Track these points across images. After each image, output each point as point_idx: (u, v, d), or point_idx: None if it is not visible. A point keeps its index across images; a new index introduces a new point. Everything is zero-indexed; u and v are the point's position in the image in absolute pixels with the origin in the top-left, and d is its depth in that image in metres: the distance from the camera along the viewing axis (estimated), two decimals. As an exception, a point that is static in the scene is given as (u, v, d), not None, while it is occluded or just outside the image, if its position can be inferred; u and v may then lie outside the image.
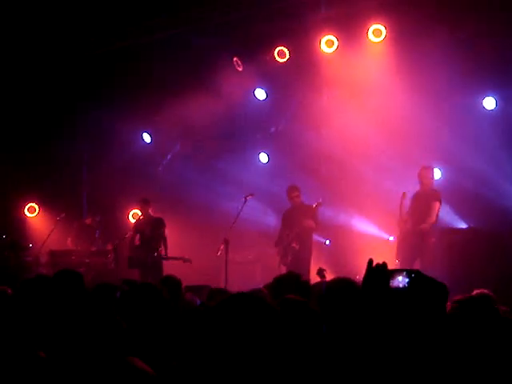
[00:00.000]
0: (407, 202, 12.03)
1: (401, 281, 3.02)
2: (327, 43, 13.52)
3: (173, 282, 7.25)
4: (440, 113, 12.72)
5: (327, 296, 4.61)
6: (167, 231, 13.50)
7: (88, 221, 15.09)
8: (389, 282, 2.95)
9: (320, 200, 12.59)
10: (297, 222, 12.49)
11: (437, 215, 11.78)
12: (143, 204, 13.67)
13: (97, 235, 14.82)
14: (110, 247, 14.14)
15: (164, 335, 4.24)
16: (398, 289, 3.00)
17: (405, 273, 3.04)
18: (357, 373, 2.84)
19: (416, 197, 12.01)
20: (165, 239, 13.36)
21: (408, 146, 13.01)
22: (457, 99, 12.78)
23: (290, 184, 13.00)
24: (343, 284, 4.66)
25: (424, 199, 11.83)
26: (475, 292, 5.72)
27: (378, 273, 2.90)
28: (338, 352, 3.41)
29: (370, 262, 2.96)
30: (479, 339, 3.53)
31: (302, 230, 12.48)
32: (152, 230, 13.39)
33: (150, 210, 13.65)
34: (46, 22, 13.29)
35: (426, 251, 11.58)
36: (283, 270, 12.10)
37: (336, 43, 13.47)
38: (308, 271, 11.61)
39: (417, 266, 11.28)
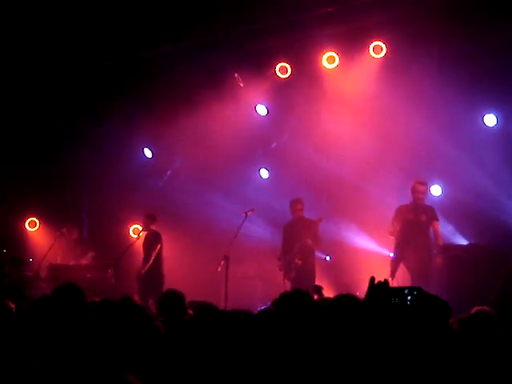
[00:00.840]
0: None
1: (402, 298, 3.02)
2: (328, 59, 13.55)
3: (175, 297, 7.24)
4: (441, 129, 12.72)
5: (330, 313, 4.61)
6: (163, 246, 13.54)
7: (70, 236, 14.90)
8: (390, 299, 2.95)
9: (321, 217, 12.62)
10: (299, 237, 12.51)
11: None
12: (146, 219, 13.69)
13: (80, 249, 14.79)
14: (91, 256, 14.24)
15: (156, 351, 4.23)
16: (399, 306, 3.00)
17: (407, 290, 3.05)
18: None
19: (407, 211, 12.00)
20: (157, 254, 13.41)
21: (409, 162, 13.04)
22: (457, 115, 12.78)
23: (293, 198, 13.04)
24: (346, 301, 4.66)
25: (420, 216, 11.86)
26: (475, 309, 5.70)
27: (380, 290, 2.90)
28: (340, 368, 3.42)
29: (372, 279, 2.97)
30: (481, 356, 3.53)
31: (304, 244, 12.51)
32: (147, 244, 13.51)
33: (152, 227, 13.68)
34: (50, 33, 13.28)
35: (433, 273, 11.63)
36: (288, 285, 12.12)
37: (337, 59, 13.50)
38: (312, 286, 11.59)
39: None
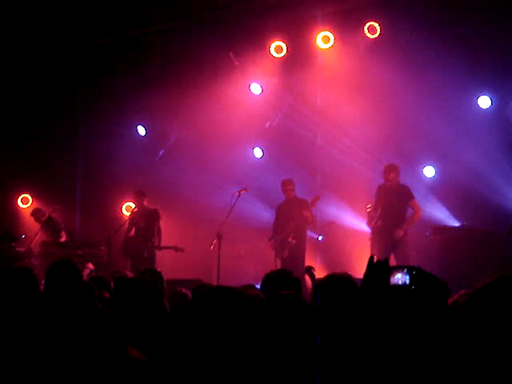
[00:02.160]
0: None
1: (401, 278, 3.00)
2: (323, 39, 13.51)
3: (156, 275, 7.25)
4: (434, 110, 12.72)
5: (321, 292, 4.58)
6: (162, 223, 13.48)
7: (44, 217, 14.64)
8: (389, 280, 2.93)
9: (317, 194, 12.63)
10: (294, 216, 12.48)
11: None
12: (138, 196, 13.60)
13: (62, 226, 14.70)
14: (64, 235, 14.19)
15: (156, 329, 4.22)
16: (398, 286, 2.98)
17: (405, 270, 3.02)
18: (356, 371, 2.84)
19: (384, 192, 11.99)
20: (159, 231, 13.32)
21: (402, 143, 13.06)
22: (451, 97, 12.79)
23: (284, 178, 13.01)
24: (339, 279, 4.64)
25: (396, 196, 11.83)
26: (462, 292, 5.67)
27: (379, 270, 2.88)
28: (334, 349, 3.40)
29: (371, 258, 2.94)
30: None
31: (298, 224, 12.49)
32: (146, 222, 13.37)
33: (145, 202, 13.58)
34: (43, 13, 13.21)
35: (401, 245, 11.62)
36: (278, 264, 12.13)
37: (332, 39, 13.45)
38: (303, 265, 11.62)
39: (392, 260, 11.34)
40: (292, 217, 12.50)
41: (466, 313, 2.86)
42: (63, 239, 14.21)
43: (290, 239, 12.41)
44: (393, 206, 11.77)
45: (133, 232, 13.52)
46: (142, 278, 5.22)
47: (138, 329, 3.78)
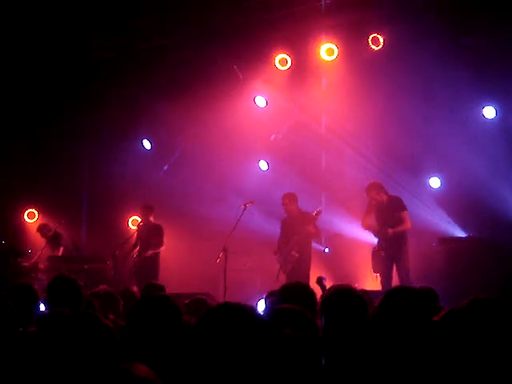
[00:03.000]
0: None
1: None
2: (327, 51, 13.52)
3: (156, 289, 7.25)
4: (440, 121, 12.72)
5: (325, 303, 4.59)
6: (166, 238, 13.49)
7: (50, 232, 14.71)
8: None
9: (319, 208, 12.60)
10: (296, 230, 12.45)
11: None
12: (145, 210, 13.63)
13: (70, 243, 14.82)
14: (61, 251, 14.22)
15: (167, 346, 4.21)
16: None
17: None
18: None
19: (378, 207, 12.01)
20: (157, 245, 13.32)
21: (408, 154, 13.04)
22: (457, 108, 12.78)
23: (290, 190, 12.99)
24: (342, 291, 4.64)
25: (387, 209, 11.84)
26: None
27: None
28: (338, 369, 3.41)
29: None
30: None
31: (301, 237, 12.45)
32: (147, 236, 13.41)
33: (151, 217, 13.61)
34: (43, 19, 13.20)
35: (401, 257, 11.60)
36: (282, 278, 12.09)
37: (336, 51, 13.47)
38: (307, 280, 11.58)
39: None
40: (295, 231, 12.47)
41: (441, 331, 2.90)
42: (59, 254, 14.26)
43: (293, 253, 12.37)
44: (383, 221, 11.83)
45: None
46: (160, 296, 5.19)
47: (153, 344, 3.77)
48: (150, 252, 13.23)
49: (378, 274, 11.70)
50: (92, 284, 12.35)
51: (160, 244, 13.35)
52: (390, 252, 11.64)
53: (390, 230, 11.55)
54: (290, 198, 12.69)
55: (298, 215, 12.63)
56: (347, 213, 13.62)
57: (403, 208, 11.81)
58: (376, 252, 11.85)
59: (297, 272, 12.12)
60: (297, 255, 12.37)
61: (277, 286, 6.68)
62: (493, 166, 12.34)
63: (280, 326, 3.93)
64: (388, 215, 11.75)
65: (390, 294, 3.80)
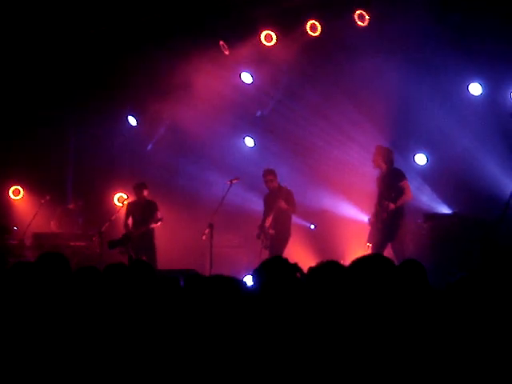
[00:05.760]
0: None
1: None
2: (311, 28, 13.48)
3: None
4: (426, 98, 12.73)
5: (312, 279, 4.60)
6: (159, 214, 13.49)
7: (71, 206, 15.10)
8: None
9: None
10: (272, 206, 12.52)
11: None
12: (139, 187, 13.53)
13: (80, 220, 14.85)
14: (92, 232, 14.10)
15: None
16: None
17: None
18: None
19: (380, 179, 11.89)
20: (157, 220, 13.29)
21: (393, 131, 13.04)
22: (442, 84, 12.79)
23: (275, 167, 12.98)
24: (328, 267, 4.65)
25: (388, 180, 11.68)
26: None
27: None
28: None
29: None
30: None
31: (276, 214, 12.49)
32: (143, 213, 13.37)
33: (144, 194, 13.53)
34: (39, 4, 13.14)
35: (396, 232, 11.50)
36: (265, 253, 12.14)
37: (319, 27, 13.42)
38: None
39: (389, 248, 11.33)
40: (272, 207, 12.52)
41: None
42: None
43: (270, 230, 12.46)
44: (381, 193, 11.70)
45: (130, 222, 13.51)
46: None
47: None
48: (152, 224, 13.20)
49: (370, 245, 11.57)
50: (78, 261, 12.38)
51: (158, 219, 13.31)
52: (387, 223, 11.45)
53: (392, 206, 11.33)
54: (274, 174, 12.70)
55: (276, 191, 12.65)
56: (334, 189, 13.64)
57: (403, 177, 11.58)
58: (373, 223, 11.69)
59: (274, 248, 12.19)
60: (272, 232, 12.44)
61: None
62: (479, 143, 12.38)
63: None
64: (388, 185, 11.55)
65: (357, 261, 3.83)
